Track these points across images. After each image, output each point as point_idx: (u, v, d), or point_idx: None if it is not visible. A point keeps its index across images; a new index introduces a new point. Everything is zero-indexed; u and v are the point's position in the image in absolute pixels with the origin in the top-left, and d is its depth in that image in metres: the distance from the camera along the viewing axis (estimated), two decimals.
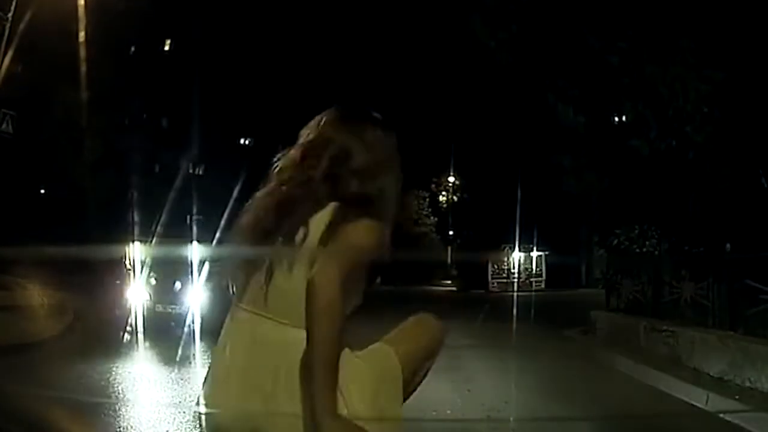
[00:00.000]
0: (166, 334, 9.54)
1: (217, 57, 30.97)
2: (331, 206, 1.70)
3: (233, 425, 1.68)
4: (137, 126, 28.95)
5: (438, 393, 6.28)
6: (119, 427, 4.69)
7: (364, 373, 1.72)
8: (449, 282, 33.93)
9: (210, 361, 1.82)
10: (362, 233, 1.67)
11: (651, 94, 11.71)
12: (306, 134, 1.85)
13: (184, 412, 5.06)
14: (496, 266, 32.42)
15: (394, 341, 1.85)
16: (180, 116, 33.86)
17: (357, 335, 1.77)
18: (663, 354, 8.93)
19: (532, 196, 23.35)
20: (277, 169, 1.82)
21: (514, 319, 12.40)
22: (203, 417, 1.80)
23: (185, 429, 4.71)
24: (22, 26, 10.78)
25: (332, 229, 1.66)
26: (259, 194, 1.82)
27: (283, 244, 1.69)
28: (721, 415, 5.90)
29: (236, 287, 1.78)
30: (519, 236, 28.34)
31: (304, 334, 1.57)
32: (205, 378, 1.79)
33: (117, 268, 11.96)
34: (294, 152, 1.83)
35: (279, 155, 1.85)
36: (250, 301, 1.72)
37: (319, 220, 1.68)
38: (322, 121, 1.85)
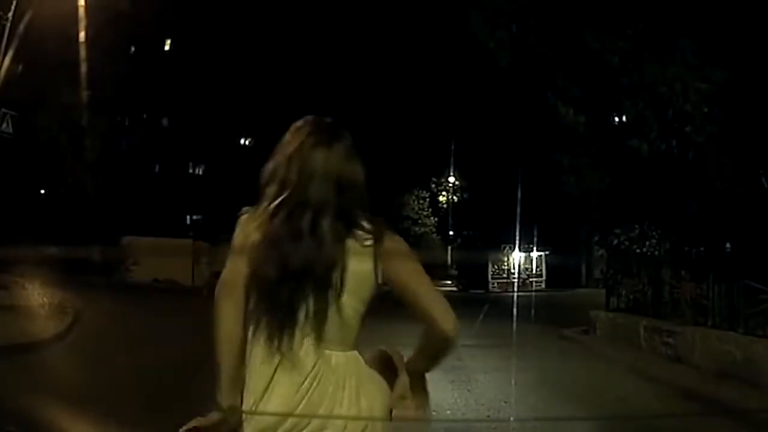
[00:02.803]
0: None
1: (217, 57, 30.97)
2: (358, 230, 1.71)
3: None
4: (137, 126, 28.96)
5: (438, 393, 6.29)
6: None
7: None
8: (449, 282, 33.93)
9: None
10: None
11: (651, 94, 11.71)
12: (294, 147, 1.74)
13: None
14: (496, 266, 32.43)
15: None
16: (180, 116, 33.91)
17: (363, 336, 1.79)
18: (663, 353, 8.95)
19: (533, 196, 23.37)
20: (278, 185, 1.73)
21: (514, 319, 12.39)
22: None
23: None
24: (22, 26, 10.78)
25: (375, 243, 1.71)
26: (277, 222, 1.69)
27: (323, 274, 1.67)
28: (722, 415, 5.90)
29: (263, 327, 1.69)
30: (519, 236, 28.37)
31: (351, 352, 1.71)
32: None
33: None
34: (288, 171, 1.72)
35: (270, 170, 1.75)
36: (292, 327, 1.69)
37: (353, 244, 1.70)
38: (307, 133, 1.76)
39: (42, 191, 23.14)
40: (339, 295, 1.67)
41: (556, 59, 12.59)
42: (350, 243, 1.69)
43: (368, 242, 1.69)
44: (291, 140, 1.76)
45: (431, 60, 30.13)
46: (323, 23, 31.49)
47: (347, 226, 1.70)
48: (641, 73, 11.67)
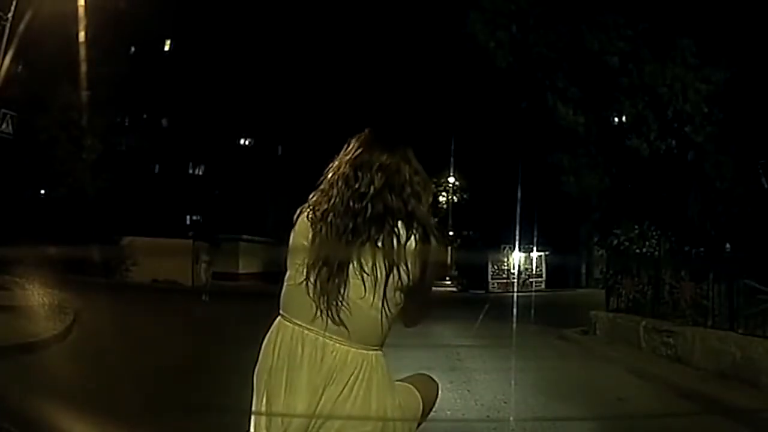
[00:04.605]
0: None
1: (217, 58, 30.97)
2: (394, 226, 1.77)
3: None
4: (137, 126, 28.86)
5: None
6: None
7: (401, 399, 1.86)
8: (449, 282, 33.93)
9: (262, 379, 1.79)
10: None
11: (651, 94, 11.72)
12: (352, 151, 1.87)
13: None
14: (496, 266, 32.40)
15: (416, 385, 1.99)
16: (180, 116, 33.90)
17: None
18: (663, 353, 8.95)
19: (532, 196, 23.35)
20: (330, 183, 1.84)
21: (514, 319, 12.38)
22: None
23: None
24: (22, 26, 10.77)
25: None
26: (316, 208, 1.81)
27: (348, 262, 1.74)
28: (722, 415, 5.90)
29: (292, 301, 1.78)
30: (519, 236, 28.34)
31: (373, 352, 1.76)
32: (261, 395, 1.79)
33: None
34: (345, 168, 1.84)
35: (328, 168, 1.88)
36: (312, 321, 1.75)
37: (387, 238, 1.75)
38: (366, 141, 1.88)
39: (42, 191, 23.13)
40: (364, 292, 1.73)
41: (556, 59, 12.60)
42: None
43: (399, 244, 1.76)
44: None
45: (430, 60, 30.13)
46: (322, 23, 31.49)
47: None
48: (641, 74, 11.67)
